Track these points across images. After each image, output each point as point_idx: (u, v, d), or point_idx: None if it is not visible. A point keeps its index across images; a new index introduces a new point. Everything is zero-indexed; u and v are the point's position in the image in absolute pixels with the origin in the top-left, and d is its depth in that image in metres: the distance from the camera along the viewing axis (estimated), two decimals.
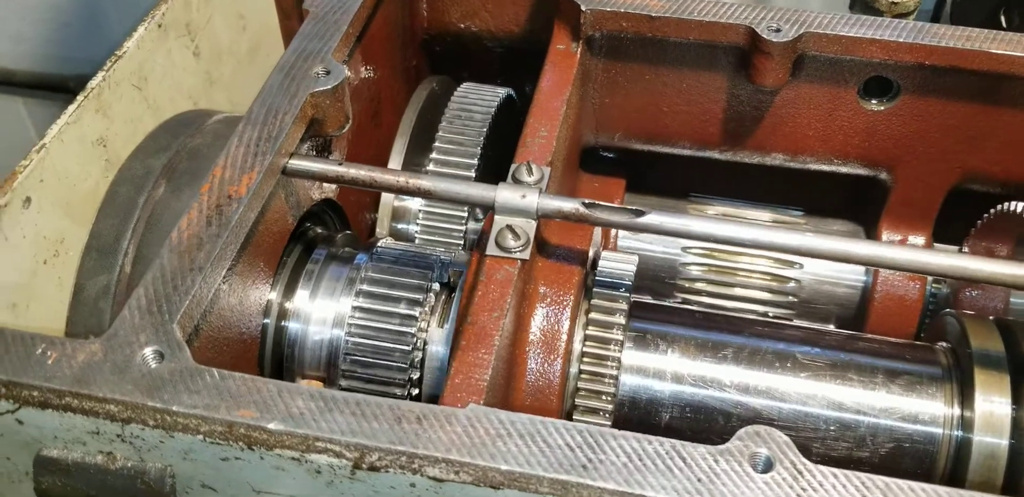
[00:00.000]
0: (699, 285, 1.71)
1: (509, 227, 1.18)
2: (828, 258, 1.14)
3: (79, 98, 1.28)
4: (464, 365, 1.05)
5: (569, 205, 1.19)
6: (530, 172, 1.25)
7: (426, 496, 0.92)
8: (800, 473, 0.89)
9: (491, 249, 1.18)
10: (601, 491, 0.88)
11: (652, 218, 1.17)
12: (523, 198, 1.19)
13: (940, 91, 1.46)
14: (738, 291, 1.70)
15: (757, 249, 1.18)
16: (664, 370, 1.31)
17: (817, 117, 1.52)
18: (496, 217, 1.21)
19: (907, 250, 1.15)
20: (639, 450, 0.90)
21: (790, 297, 1.69)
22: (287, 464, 0.92)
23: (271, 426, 0.92)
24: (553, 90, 1.42)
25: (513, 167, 1.27)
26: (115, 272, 1.22)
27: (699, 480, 0.88)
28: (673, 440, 0.91)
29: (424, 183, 1.24)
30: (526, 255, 1.17)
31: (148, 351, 0.97)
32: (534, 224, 1.20)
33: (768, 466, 0.89)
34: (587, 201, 1.19)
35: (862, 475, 0.89)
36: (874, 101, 1.50)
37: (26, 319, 1.24)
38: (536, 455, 0.90)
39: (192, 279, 1.04)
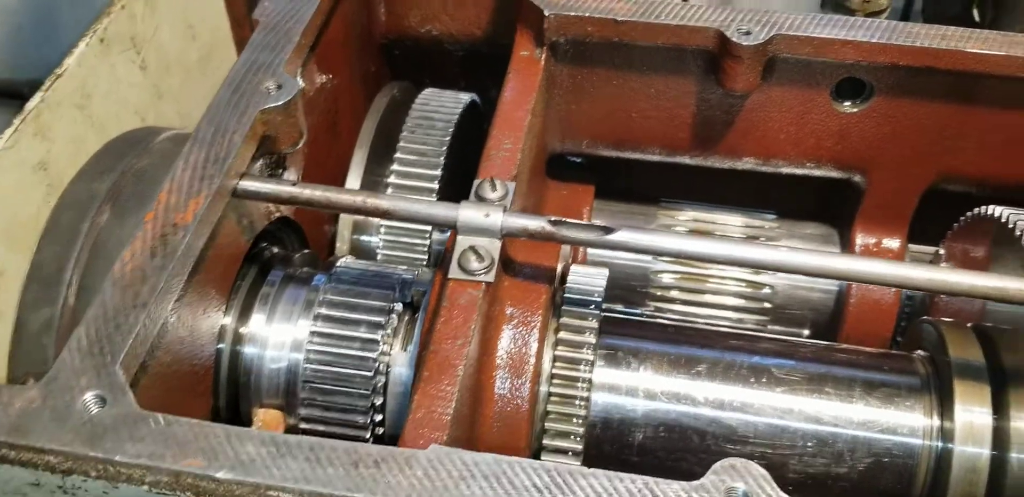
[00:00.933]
0: (672, 293, 1.67)
1: (472, 248, 1.13)
2: (798, 272, 1.11)
3: (15, 122, 1.22)
4: (426, 398, 1.01)
5: (535, 223, 1.15)
6: (493, 188, 1.20)
7: None
8: None
9: (454, 272, 1.13)
10: None
11: (622, 235, 1.13)
12: (486, 217, 1.15)
13: (915, 92, 1.43)
14: (711, 298, 1.66)
15: (729, 265, 1.14)
16: (636, 388, 1.27)
17: (789, 120, 1.48)
18: (459, 237, 1.16)
19: (883, 263, 1.12)
20: (610, 489, 0.86)
21: (764, 303, 1.65)
22: None
23: (220, 475, 0.87)
24: (517, 100, 1.37)
25: (476, 183, 1.22)
26: (58, 304, 1.16)
27: None
28: (646, 477, 0.87)
29: (383, 203, 1.19)
30: (490, 277, 1.13)
31: (89, 396, 0.92)
32: (499, 244, 1.15)
33: None
34: (553, 219, 1.15)
35: None
36: (847, 103, 1.46)
37: None
38: None
39: (136, 316, 0.99)
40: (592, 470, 0.87)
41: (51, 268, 1.19)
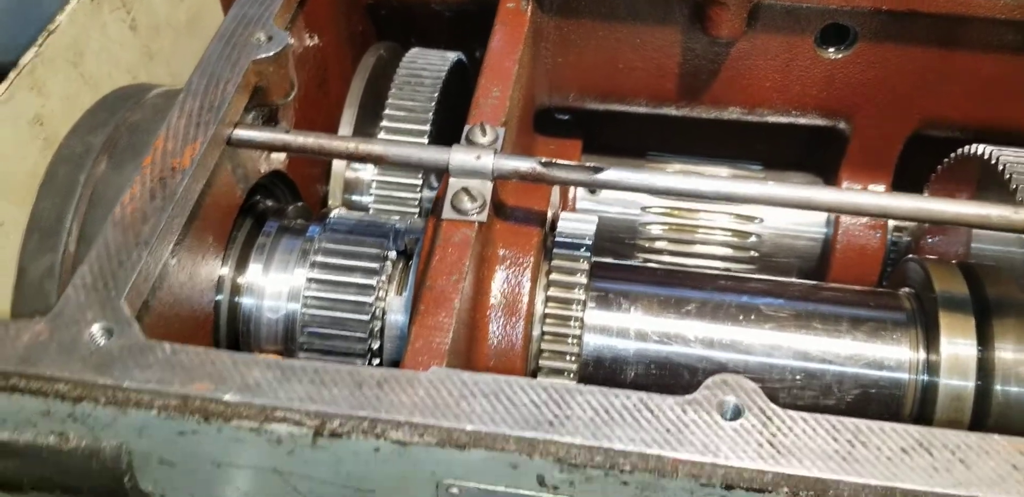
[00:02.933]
0: (659, 244, 1.70)
1: (465, 189, 1.16)
2: (787, 205, 1.13)
3: (11, 75, 1.23)
4: (424, 329, 1.03)
5: (526, 164, 1.17)
6: (484, 133, 1.22)
7: (391, 460, 0.90)
8: (769, 419, 0.88)
9: (447, 212, 1.15)
10: (568, 446, 0.86)
11: (610, 174, 1.15)
12: (478, 159, 1.17)
13: (897, 36, 1.45)
14: (699, 248, 1.69)
15: (717, 201, 1.16)
16: (627, 328, 1.30)
17: (774, 68, 1.50)
18: (451, 180, 1.18)
19: (868, 195, 1.14)
20: (605, 404, 0.89)
21: (751, 252, 1.68)
22: (246, 435, 0.90)
23: (227, 397, 0.89)
24: (504, 50, 1.39)
25: (466, 128, 1.24)
26: (59, 252, 1.18)
27: (667, 431, 0.87)
28: (641, 393, 0.89)
29: (375, 148, 1.21)
30: (483, 217, 1.15)
31: (96, 328, 0.94)
32: (490, 185, 1.17)
33: (737, 414, 0.88)
34: (544, 160, 1.17)
35: (832, 418, 0.88)
36: (831, 49, 1.48)
37: None
38: (501, 414, 0.88)
39: (138, 254, 1.01)
40: (588, 387, 0.90)
41: (50, 218, 1.20)
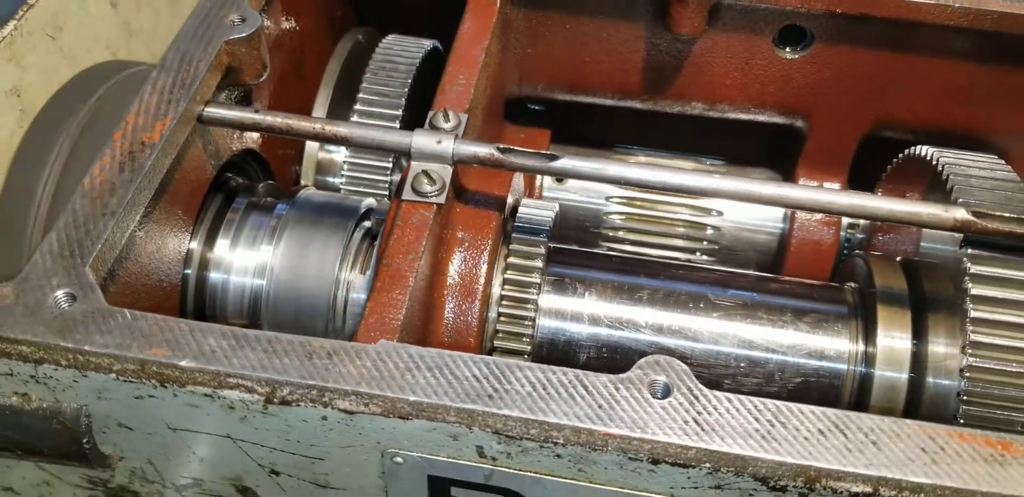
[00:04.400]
0: (623, 233, 1.75)
1: (425, 172, 1.20)
2: (734, 198, 1.18)
3: None
4: (378, 305, 1.07)
5: (484, 150, 1.21)
6: (447, 119, 1.26)
7: (338, 428, 0.94)
8: (696, 398, 0.93)
9: (407, 194, 1.19)
10: (506, 418, 0.91)
11: (565, 162, 1.19)
12: (439, 144, 1.21)
13: (852, 39, 1.50)
14: (661, 239, 1.74)
15: (665, 191, 1.21)
16: (581, 312, 1.34)
17: (734, 66, 1.55)
18: (412, 163, 1.22)
19: (810, 190, 1.19)
20: (543, 380, 0.94)
21: (711, 244, 1.73)
22: (200, 401, 0.94)
23: (183, 363, 0.93)
24: (472, 38, 1.43)
25: (430, 114, 1.28)
26: (30, 220, 1.22)
27: (599, 407, 0.92)
28: (577, 370, 0.94)
29: (341, 130, 1.25)
30: (442, 199, 1.19)
31: (60, 293, 0.98)
32: (450, 169, 1.22)
33: (666, 392, 0.93)
34: (502, 146, 1.21)
35: (755, 399, 0.93)
36: (788, 49, 1.53)
37: None
38: (444, 386, 0.93)
39: (104, 224, 1.05)
40: (528, 363, 0.95)
41: (23, 186, 1.24)
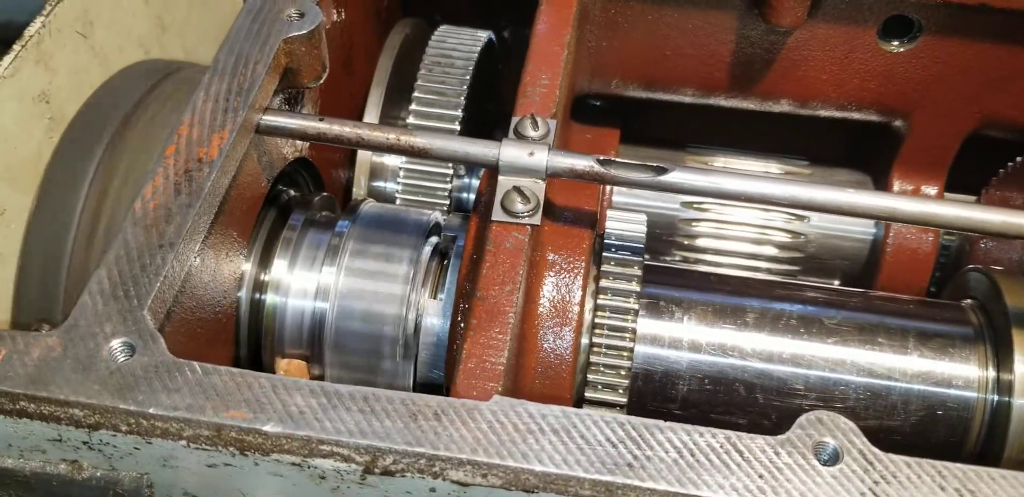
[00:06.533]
0: (700, 242, 1.61)
1: (517, 189, 1.06)
2: (877, 217, 1.04)
3: (15, 48, 1.12)
4: (477, 347, 0.93)
5: (582, 163, 1.07)
6: (535, 126, 1.12)
7: None
8: (871, 463, 0.79)
9: (497, 214, 1.05)
10: (651, 492, 0.77)
11: (677, 176, 1.05)
12: (531, 156, 1.07)
13: (964, 31, 1.36)
14: (741, 247, 1.60)
15: (795, 208, 1.07)
16: (680, 339, 1.21)
17: (832, 60, 1.40)
18: (500, 178, 1.08)
19: (921, 202, 1.05)
20: (690, 443, 0.80)
21: (796, 253, 1.59)
22: (286, 470, 0.80)
23: (267, 428, 0.79)
24: (552, 33, 1.28)
25: (515, 121, 1.13)
26: (67, 247, 1.07)
27: (760, 476, 0.78)
28: (728, 432, 0.80)
29: (418, 141, 1.10)
30: (536, 220, 1.05)
31: (116, 343, 0.84)
32: (543, 185, 1.08)
33: (835, 457, 0.80)
34: (602, 158, 1.07)
35: (936, 463, 0.80)
36: (895, 42, 1.39)
37: None
38: (574, 453, 0.79)
39: (162, 257, 0.91)
40: (670, 424, 0.81)
41: (58, 209, 1.09)
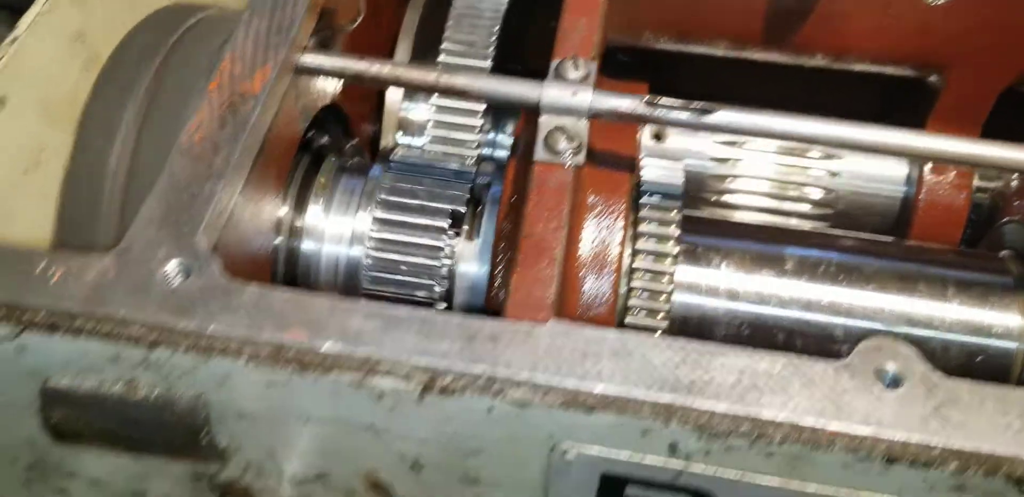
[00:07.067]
0: (728, 198, 1.60)
1: (560, 128, 1.05)
2: (929, 157, 1.04)
3: None
4: (525, 281, 0.93)
5: (626, 103, 1.06)
6: (576, 67, 1.11)
7: (505, 421, 0.80)
8: (933, 388, 0.79)
9: (540, 154, 1.04)
10: (711, 413, 0.77)
11: (723, 116, 1.05)
12: (574, 96, 1.06)
13: None
14: (770, 203, 1.59)
15: (848, 149, 1.06)
16: (718, 286, 1.20)
17: (870, 11, 1.39)
18: (542, 118, 1.07)
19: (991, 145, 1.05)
20: (750, 367, 0.80)
21: (826, 209, 1.59)
22: (344, 390, 0.80)
23: (327, 348, 0.79)
24: None
25: (555, 63, 1.13)
26: (107, 181, 1.07)
27: (823, 398, 0.78)
28: (788, 355, 0.80)
29: (458, 81, 1.09)
30: (580, 160, 1.04)
31: (171, 266, 0.83)
32: (586, 125, 1.07)
33: (897, 381, 0.79)
34: (646, 98, 1.06)
35: (1000, 386, 0.80)
36: None
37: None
38: (633, 375, 0.79)
39: (211, 187, 0.90)
40: (730, 347, 0.81)
41: (99, 145, 1.09)
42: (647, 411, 0.77)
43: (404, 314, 0.81)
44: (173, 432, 0.85)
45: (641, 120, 1.07)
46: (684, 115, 1.06)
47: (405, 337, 0.80)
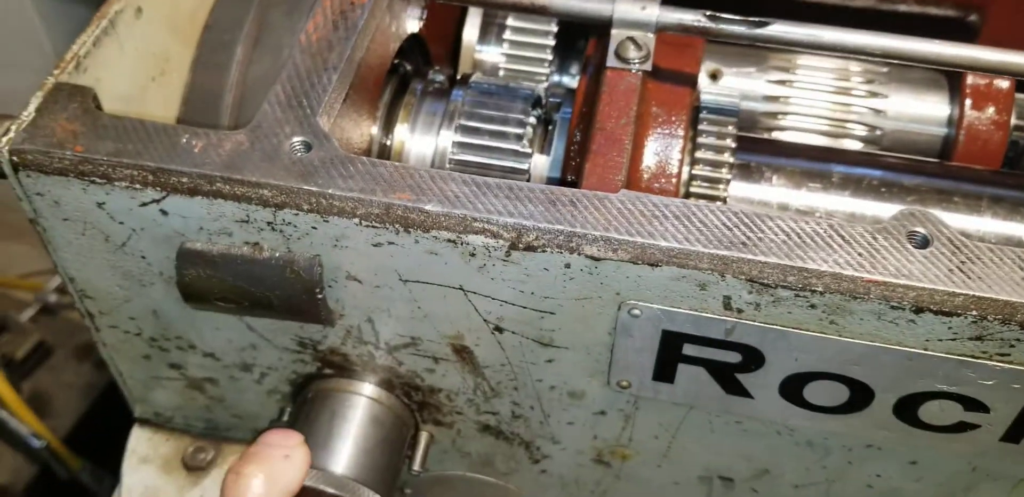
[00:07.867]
0: (777, 135, 1.70)
1: (631, 38, 1.17)
2: (973, 68, 1.13)
3: None
4: (597, 167, 1.05)
5: (690, 17, 1.17)
6: None
7: (580, 277, 0.92)
8: (958, 248, 0.90)
9: (611, 61, 1.16)
10: (762, 265, 0.89)
11: (778, 28, 1.15)
12: (643, 10, 1.17)
13: None
14: (816, 140, 1.69)
15: (902, 60, 1.16)
16: (770, 200, 1.31)
17: None
18: (613, 31, 1.19)
19: None
20: (797, 229, 0.91)
21: (872, 146, 1.68)
22: (442, 247, 0.93)
23: (429, 207, 0.92)
24: None
25: None
26: (227, 86, 1.20)
27: (860, 255, 0.89)
28: (831, 220, 0.91)
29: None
30: (648, 66, 1.16)
31: (295, 141, 0.97)
32: (653, 37, 1.18)
33: (925, 243, 0.90)
34: (709, 13, 1.17)
35: (1018, 249, 0.90)
36: None
37: None
38: (694, 233, 0.91)
39: (328, 77, 1.03)
40: (779, 213, 0.92)
41: (218, 53, 1.22)
42: (705, 264, 0.89)
43: (493, 182, 0.94)
44: (293, 289, 0.98)
45: (704, 33, 1.18)
46: (742, 28, 1.17)
47: (495, 201, 0.92)
